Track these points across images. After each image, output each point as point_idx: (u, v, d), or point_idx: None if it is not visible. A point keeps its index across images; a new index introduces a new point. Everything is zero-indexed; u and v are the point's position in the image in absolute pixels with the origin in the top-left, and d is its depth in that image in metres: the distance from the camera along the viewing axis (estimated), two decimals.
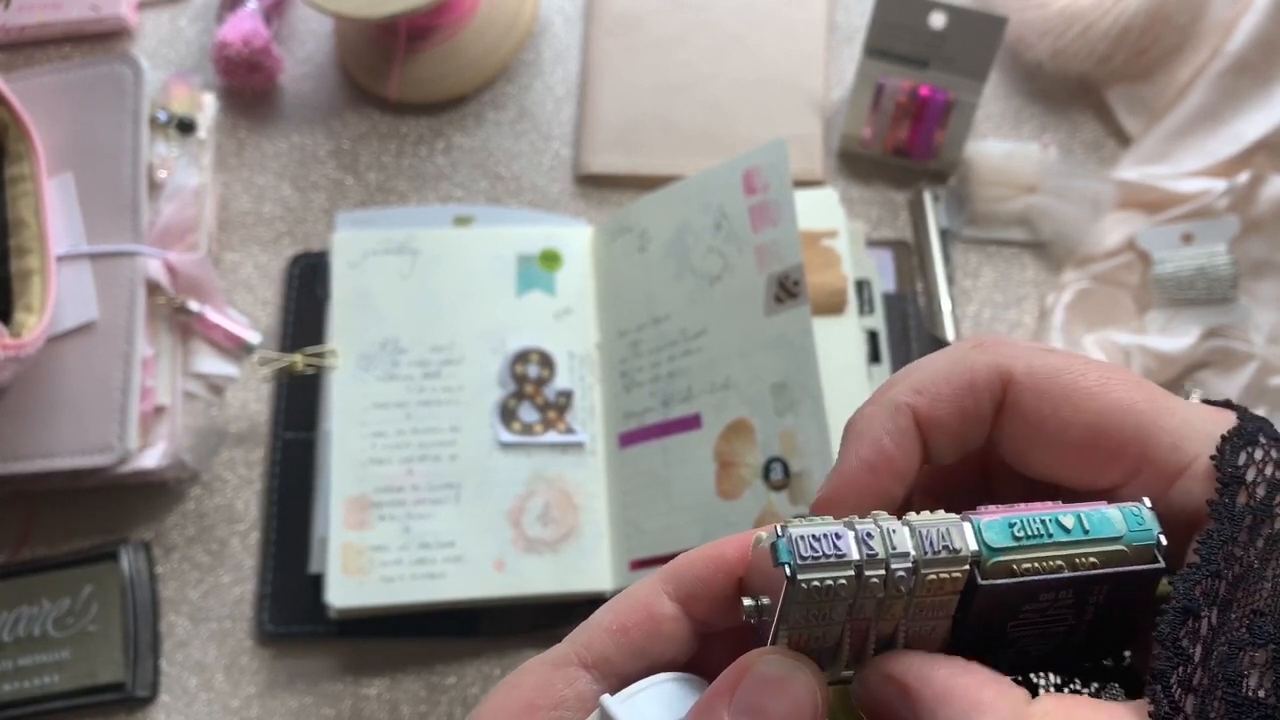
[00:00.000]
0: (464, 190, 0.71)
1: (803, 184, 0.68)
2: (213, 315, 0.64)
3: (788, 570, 0.23)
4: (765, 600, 0.24)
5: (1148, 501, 0.24)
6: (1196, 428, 0.25)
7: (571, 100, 0.74)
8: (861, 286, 0.64)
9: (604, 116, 0.72)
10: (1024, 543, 0.24)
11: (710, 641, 0.27)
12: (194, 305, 0.63)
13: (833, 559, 0.23)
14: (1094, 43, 0.68)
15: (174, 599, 0.63)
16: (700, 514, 0.57)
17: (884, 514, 0.24)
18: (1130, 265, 0.66)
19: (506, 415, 0.62)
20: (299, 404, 0.66)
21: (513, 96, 0.74)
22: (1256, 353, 0.63)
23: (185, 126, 0.67)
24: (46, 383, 0.61)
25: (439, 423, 0.62)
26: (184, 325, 0.64)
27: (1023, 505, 0.25)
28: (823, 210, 0.64)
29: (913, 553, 0.24)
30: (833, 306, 0.62)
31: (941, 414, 0.27)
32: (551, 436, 0.62)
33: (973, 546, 0.24)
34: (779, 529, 0.23)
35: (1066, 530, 0.24)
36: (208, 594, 0.63)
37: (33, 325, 0.59)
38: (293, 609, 0.62)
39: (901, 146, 0.69)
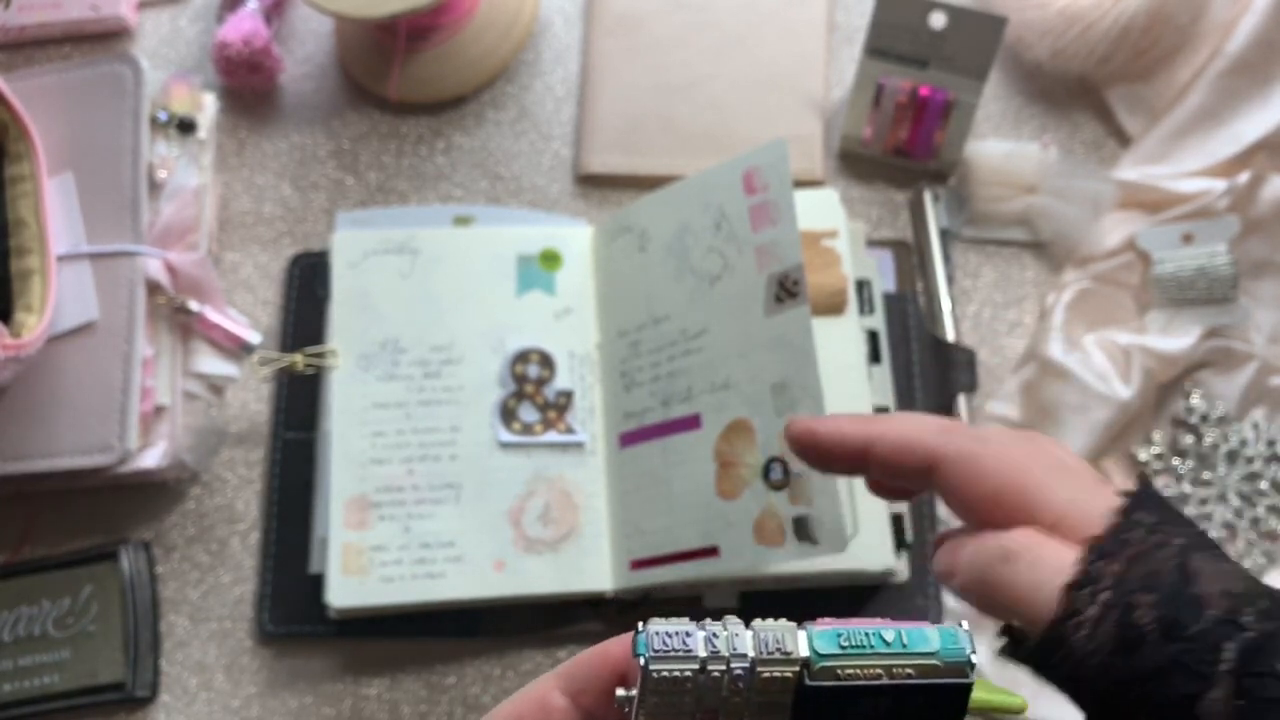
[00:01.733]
0: (464, 190, 0.71)
1: (803, 184, 0.68)
2: (213, 315, 0.64)
3: (642, 660, 0.26)
4: (634, 691, 0.27)
5: (965, 624, 0.27)
6: (1079, 508, 0.34)
7: (571, 100, 0.74)
8: (861, 286, 0.64)
9: (604, 116, 0.72)
10: (849, 651, 0.27)
11: None
12: (194, 305, 0.63)
13: (680, 653, 0.26)
14: (1094, 43, 0.68)
15: (174, 599, 0.63)
16: (700, 514, 0.57)
17: (734, 618, 0.27)
18: (1130, 265, 0.66)
19: (506, 415, 0.62)
20: (299, 404, 0.66)
21: (513, 96, 0.74)
22: (1256, 353, 0.63)
23: (185, 126, 0.67)
24: (46, 383, 0.61)
25: (439, 423, 0.62)
26: (184, 325, 0.64)
27: (855, 620, 0.27)
28: (823, 210, 0.64)
29: (751, 653, 0.26)
30: (833, 306, 0.62)
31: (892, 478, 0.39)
32: (551, 436, 0.62)
33: (804, 651, 0.26)
34: (640, 625, 0.27)
35: (887, 643, 0.27)
36: (208, 594, 0.63)
37: (33, 325, 0.59)
38: (293, 609, 0.62)
39: (901, 146, 0.69)
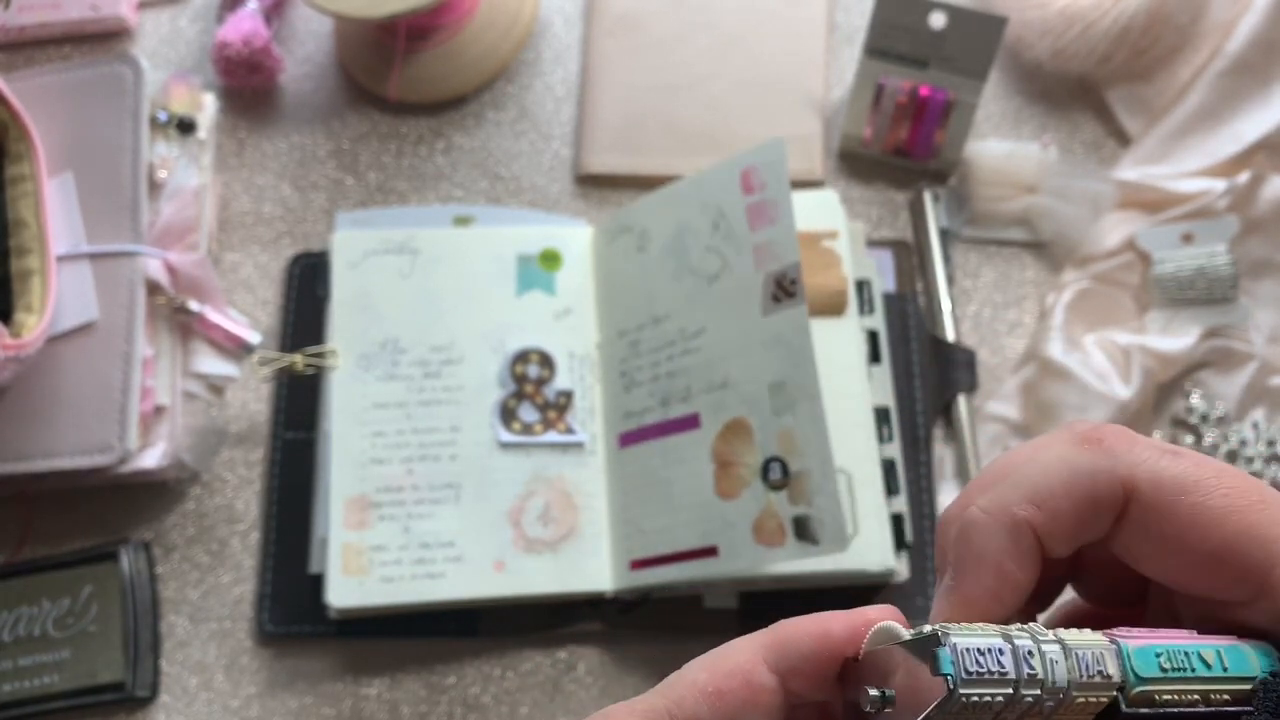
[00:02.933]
0: (464, 190, 0.71)
1: (803, 184, 0.68)
2: (213, 315, 0.64)
3: (949, 683, 0.23)
4: (892, 693, 0.24)
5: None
6: None
7: (571, 100, 0.74)
8: (861, 287, 0.64)
9: (604, 116, 0.72)
10: (1168, 674, 0.25)
11: (795, 711, 0.27)
12: (194, 305, 0.63)
13: (995, 676, 0.23)
14: (1094, 43, 0.68)
15: (174, 599, 0.63)
16: (699, 514, 0.57)
17: (1038, 627, 0.25)
18: (1130, 265, 0.66)
19: (506, 415, 0.62)
20: (299, 404, 0.66)
21: (513, 96, 0.74)
22: (1256, 353, 0.63)
23: (185, 126, 0.67)
24: (46, 383, 0.61)
25: (439, 423, 0.62)
26: (184, 325, 0.64)
27: (1163, 632, 0.25)
28: (823, 211, 0.64)
29: (1069, 677, 0.24)
30: (833, 307, 0.62)
31: (1061, 529, 0.26)
32: (551, 436, 0.62)
33: (1119, 675, 0.24)
34: (938, 634, 0.23)
35: (1208, 665, 0.25)
36: (208, 594, 0.63)
37: (33, 325, 0.59)
38: (293, 609, 0.62)
39: (901, 146, 0.69)
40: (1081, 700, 0.24)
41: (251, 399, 0.67)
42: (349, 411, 0.62)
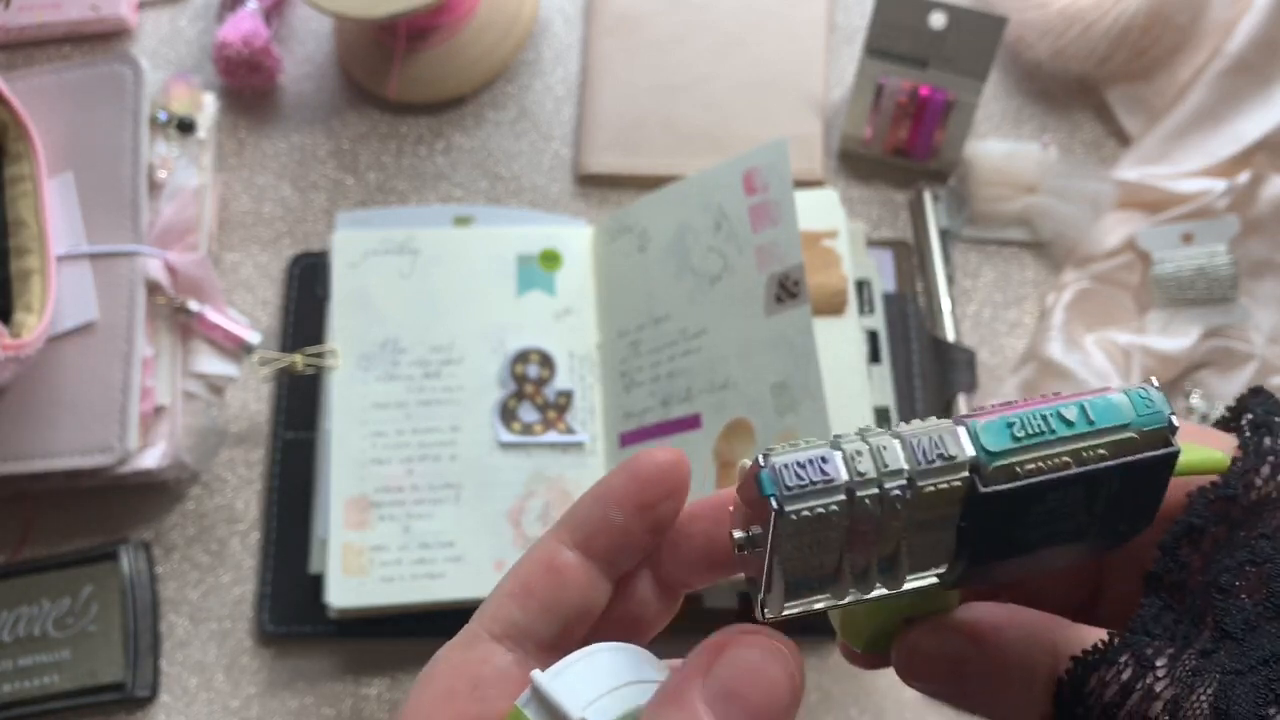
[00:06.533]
0: (464, 190, 0.71)
1: (803, 184, 0.68)
2: (213, 315, 0.64)
3: (774, 503, 0.21)
4: (756, 529, 0.22)
5: (1155, 380, 0.23)
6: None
7: (571, 100, 0.74)
8: (861, 286, 0.64)
9: (604, 116, 0.72)
10: (1024, 442, 0.22)
11: (624, 585, 0.26)
12: (194, 305, 0.63)
13: (820, 485, 0.21)
14: (1094, 43, 0.68)
15: (174, 599, 0.63)
16: None
17: (872, 428, 0.23)
18: (1130, 265, 0.66)
19: (506, 415, 0.62)
20: (299, 404, 0.66)
21: (513, 96, 0.74)
22: (1256, 353, 0.63)
23: (185, 126, 0.67)
24: (46, 383, 0.61)
25: (439, 423, 0.62)
26: (184, 325, 0.64)
27: (1020, 402, 0.23)
28: (823, 211, 0.64)
29: (906, 467, 0.22)
30: (833, 307, 0.62)
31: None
32: (552, 436, 0.62)
33: (970, 452, 0.22)
34: (761, 458, 0.22)
35: (1070, 423, 0.22)
36: (208, 594, 0.63)
37: (33, 325, 0.59)
38: (293, 609, 0.62)
39: (901, 146, 0.69)
40: (931, 489, 0.22)
41: (251, 399, 0.67)
42: (349, 411, 0.62)
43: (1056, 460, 0.22)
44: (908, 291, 0.67)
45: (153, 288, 0.63)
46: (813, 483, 0.21)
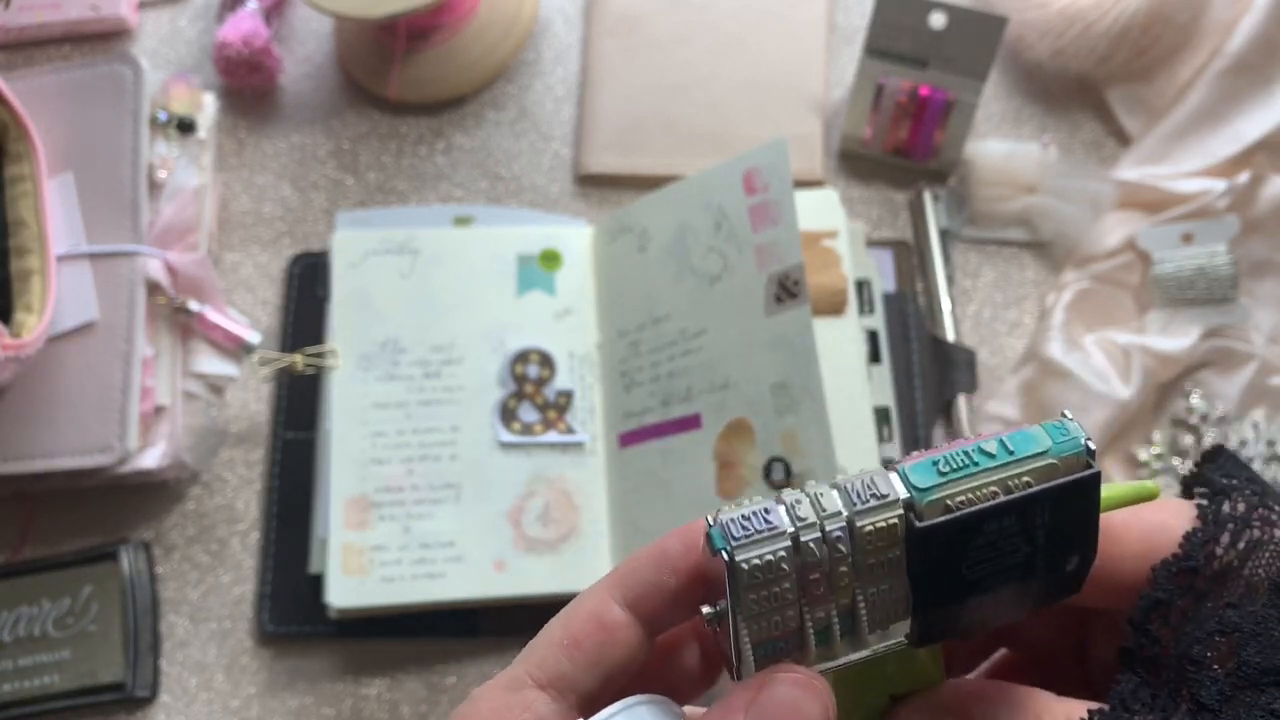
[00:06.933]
0: (464, 190, 0.71)
1: (803, 184, 0.68)
2: (213, 315, 0.64)
3: (725, 555, 0.23)
4: (721, 604, 0.24)
5: (1069, 413, 0.24)
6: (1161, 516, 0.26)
7: (571, 100, 0.74)
8: (861, 286, 0.64)
9: (604, 116, 0.72)
10: (950, 476, 0.23)
11: (673, 651, 0.27)
12: (194, 305, 0.63)
13: (765, 533, 0.23)
14: (1094, 43, 0.68)
15: (174, 599, 0.63)
16: (700, 514, 0.57)
17: (812, 481, 0.24)
18: (1130, 265, 0.66)
19: (506, 415, 0.62)
20: (299, 404, 0.66)
21: (513, 96, 0.74)
22: (1256, 353, 0.63)
23: (185, 126, 0.67)
24: (46, 383, 0.61)
25: (439, 423, 0.62)
26: (184, 325, 0.64)
27: (945, 445, 0.24)
28: (823, 211, 0.64)
29: (843, 510, 0.23)
30: (833, 307, 0.62)
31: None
32: (551, 436, 0.62)
33: (901, 492, 0.23)
34: (710, 518, 0.24)
35: (991, 456, 0.23)
36: (208, 594, 0.63)
37: (33, 325, 0.59)
38: (293, 609, 0.62)
39: (901, 146, 0.69)
40: (870, 528, 0.23)
41: (251, 399, 0.67)
42: (349, 411, 0.62)
43: (984, 491, 0.23)
44: (908, 291, 0.67)
45: (153, 288, 0.63)
46: (758, 531, 0.23)
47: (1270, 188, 0.65)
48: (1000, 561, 0.24)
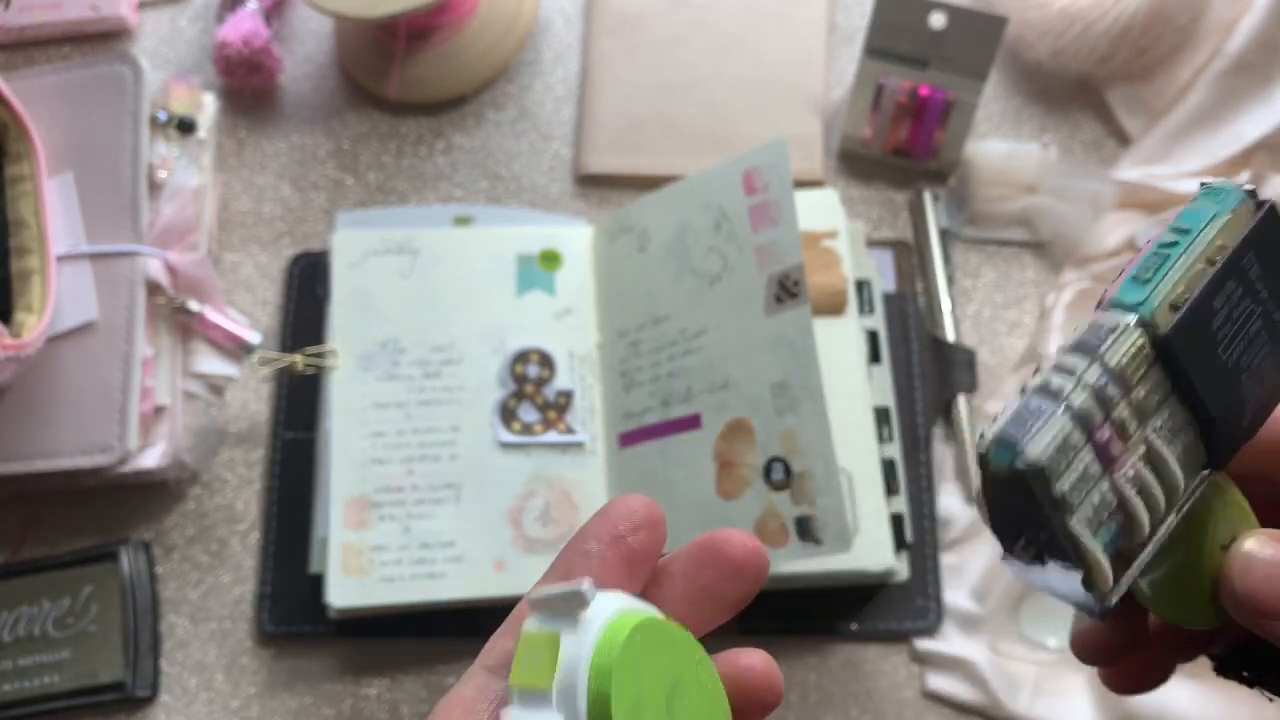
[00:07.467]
0: (464, 190, 0.71)
1: (803, 184, 0.68)
2: (213, 315, 0.64)
3: (1021, 465, 0.22)
4: (1054, 563, 0.24)
5: (1207, 179, 0.25)
6: None
7: (571, 100, 0.74)
8: (861, 286, 0.64)
9: (604, 116, 0.72)
10: (1155, 280, 0.24)
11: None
12: (194, 305, 0.63)
13: (1041, 417, 0.23)
14: (1094, 43, 0.68)
15: (174, 599, 0.63)
16: (700, 514, 0.57)
17: (1042, 363, 0.24)
18: None
19: (506, 415, 0.62)
20: (299, 404, 0.66)
21: (513, 96, 0.74)
22: None
23: (185, 126, 0.67)
24: (46, 383, 0.61)
25: (439, 423, 0.62)
26: (184, 325, 0.64)
27: (1128, 263, 0.25)
28: (823, 211, 0.64)
29: (1088, 360, 0.23)
30: (833, 307, 0.62)
31: None
32: (552, 436, 0.62)
33: (1129, 317, 0.24)
34: (976, 449, 0.24)
35: (1175, 244, 0.24)
36: (208, 594, 0.63)
37: (33, 325, 0.59)
38: (293, 609, 0.62)
39: (901, 146, 0.69)
40: (1124, 359, 0.23)
41: (251, 399, 0.67)
42: (349, 411, 0.62)
43: (1194, 272, 0.24)
44: (908, 291, 0.67)
45: (153, 288, 0.63)
46: (1034, 418, 0.23)
47: (1270, 188, 0.65)
48: (1245, 330, 0.24)
